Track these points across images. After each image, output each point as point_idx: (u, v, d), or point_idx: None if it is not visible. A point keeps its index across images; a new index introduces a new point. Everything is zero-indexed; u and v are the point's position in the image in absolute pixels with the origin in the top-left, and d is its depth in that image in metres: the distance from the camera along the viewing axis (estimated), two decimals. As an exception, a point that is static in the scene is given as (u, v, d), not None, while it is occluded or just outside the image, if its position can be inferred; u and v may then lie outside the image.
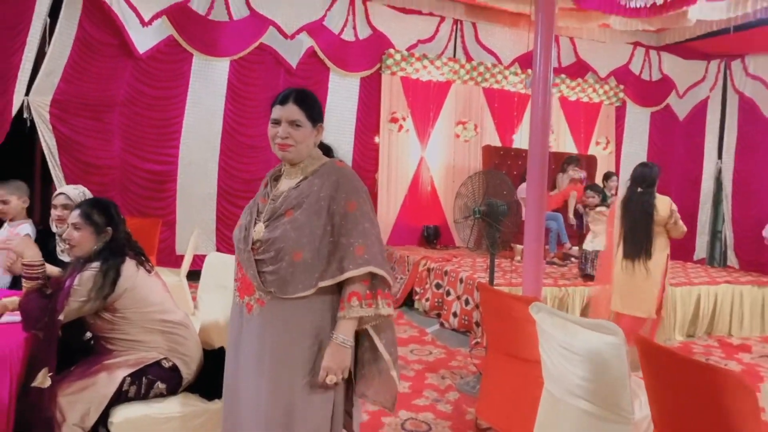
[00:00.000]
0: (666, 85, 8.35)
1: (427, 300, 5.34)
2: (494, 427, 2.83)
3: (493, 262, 3.64)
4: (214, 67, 6.34)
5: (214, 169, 6.43)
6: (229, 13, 6.31)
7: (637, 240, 3.92)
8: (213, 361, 2.28)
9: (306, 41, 6.66)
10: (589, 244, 5.00)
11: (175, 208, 6.26)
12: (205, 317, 2.61)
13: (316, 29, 6.65)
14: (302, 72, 6.68)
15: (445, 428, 2.96)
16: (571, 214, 6.22)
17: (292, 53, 6.62)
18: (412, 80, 7.14)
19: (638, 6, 5.56)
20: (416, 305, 5.53)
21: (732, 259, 7.94)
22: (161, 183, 6.20)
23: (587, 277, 4.95)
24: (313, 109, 1.71)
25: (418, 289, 5.52)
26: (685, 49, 8.07)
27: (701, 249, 8.20)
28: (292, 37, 6.54)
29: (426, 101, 7.25)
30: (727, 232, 8.09)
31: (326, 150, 1.84)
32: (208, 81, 6.33)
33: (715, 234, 8.23)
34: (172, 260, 5.82)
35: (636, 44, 8.09)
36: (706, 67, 8.39)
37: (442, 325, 4.98)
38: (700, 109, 8.46)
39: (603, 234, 4.66)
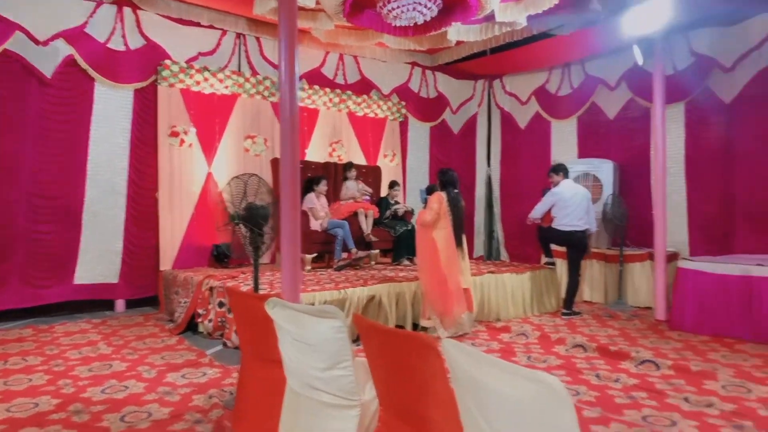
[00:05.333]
0: (441, 102, 9.18)
1: (210, 321, 5.03)
2: (250, 438, 2.69)
3: (257, 267, 3.53)
4: (-59, 76, 5.38)
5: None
6: (-41, 14, 5.42)
7: (462, 230, 5.17)
8: None
9: (63, 49, 5.98)
10: None
11: None
12: None
13: (75, 36, 6.03)
14: (60, 82, 5.97)
15: (199, 449, 2.74)
16: (364, 224, 6.43)
17: (46, 61, 5.88)
18: (193, 93, 6.80)
19: (404, 25, 5.98)
20: (200, 328, 5.18)
21: (504, 254, 8.94)
22: None
23: None
24: None
25: (200, 311, 5.18)
26: (455, 70, 8.98)
27: (479, 247, 9.12)
28: (46, 43, 5.84)
29: (210, 114, 6.96)
30: (498, 230, 9.11)
31: None
32: (-67, 92, 5.34)
33: (490, 233, 9.19)
34: None
35: (413, 64, 8.77)
36: (474, 86, 9.44)
37: (225, 344, 4.72)
38: (471, 123, 9.46)
39: None
